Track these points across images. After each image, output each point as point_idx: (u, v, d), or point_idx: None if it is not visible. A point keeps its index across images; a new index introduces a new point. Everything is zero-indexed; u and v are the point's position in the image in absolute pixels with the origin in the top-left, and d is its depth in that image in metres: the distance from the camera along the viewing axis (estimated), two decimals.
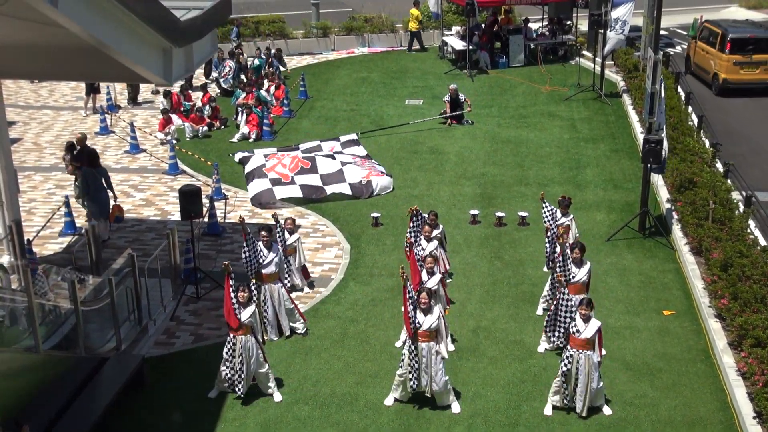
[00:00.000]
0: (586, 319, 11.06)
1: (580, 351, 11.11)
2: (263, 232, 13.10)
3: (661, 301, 14.17)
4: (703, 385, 11.98)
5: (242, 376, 11.61)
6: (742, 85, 25.11)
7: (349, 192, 18.45)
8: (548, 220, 14.52)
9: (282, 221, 14.25)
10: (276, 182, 18.57)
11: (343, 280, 15.10)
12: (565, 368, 11.19)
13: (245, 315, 11.47)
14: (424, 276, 12.54)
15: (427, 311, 11.14)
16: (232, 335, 11.58)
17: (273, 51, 27.94)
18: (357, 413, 11.47)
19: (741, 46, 24.95)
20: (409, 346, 11.23)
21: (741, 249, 13.95)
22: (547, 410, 11.42)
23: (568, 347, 11.22)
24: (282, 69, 27.03)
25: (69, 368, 11.60)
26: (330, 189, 18.45)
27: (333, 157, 19.49)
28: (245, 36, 30.26)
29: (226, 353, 11.63)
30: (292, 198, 18.28)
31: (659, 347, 12.85)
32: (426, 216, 14.06)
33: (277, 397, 11.77)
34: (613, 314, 13.74)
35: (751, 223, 15.62)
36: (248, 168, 19.53)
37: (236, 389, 11.70)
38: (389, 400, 11.63)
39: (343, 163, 19.13)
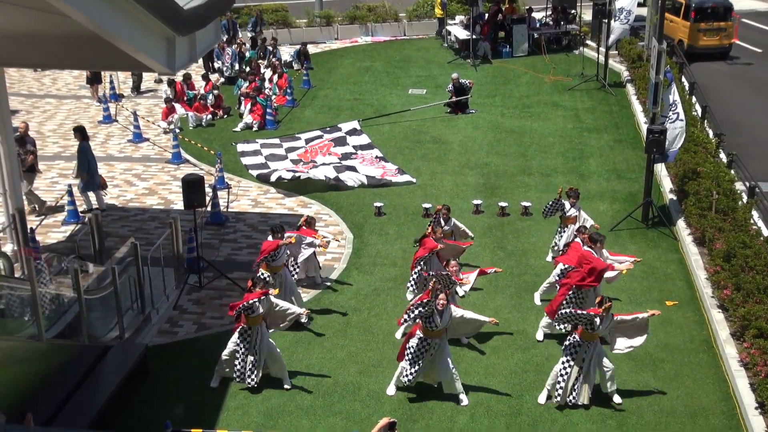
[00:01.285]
0: (603, 320, 11.08)
1: (590, 342, 11.12)
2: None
3: (664, 292, 14.16)
4: (705, 375, 12.00)
5: (255, 366, 11.59)
6: (704, 51, 27.18)
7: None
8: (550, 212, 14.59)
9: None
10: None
11: (345, 269, 15.10)
12: (570, 357, 11.14)
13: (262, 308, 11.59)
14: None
15: (442, 313, 11.20)
16: (247, 326, 11.56)
17: (268, 41, 27.84)
18: (359, 402, 11.49)
19: (703, 14, 26.97)
20: (421, 340, 11.25)
21: (744, 240, 13.94)
22: (541, 398, 11.45)
23: (576, 336, 11.18)
24: (305, 65, 27.06)
25: (72, 357, 11.64)
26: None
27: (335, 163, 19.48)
28: (244, 25, 30.03)
29: (240, 343, 11.61)
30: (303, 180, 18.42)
31: (662, 338, 12.85)
32: (437, 216, 14.18)
33: (287, 384, 11.78)
34: (615, 304, 13.68)
35: (755, 213, 15.60)
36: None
37: (247, 381, 11.69)
38: (391, 390, 11.65)
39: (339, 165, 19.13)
